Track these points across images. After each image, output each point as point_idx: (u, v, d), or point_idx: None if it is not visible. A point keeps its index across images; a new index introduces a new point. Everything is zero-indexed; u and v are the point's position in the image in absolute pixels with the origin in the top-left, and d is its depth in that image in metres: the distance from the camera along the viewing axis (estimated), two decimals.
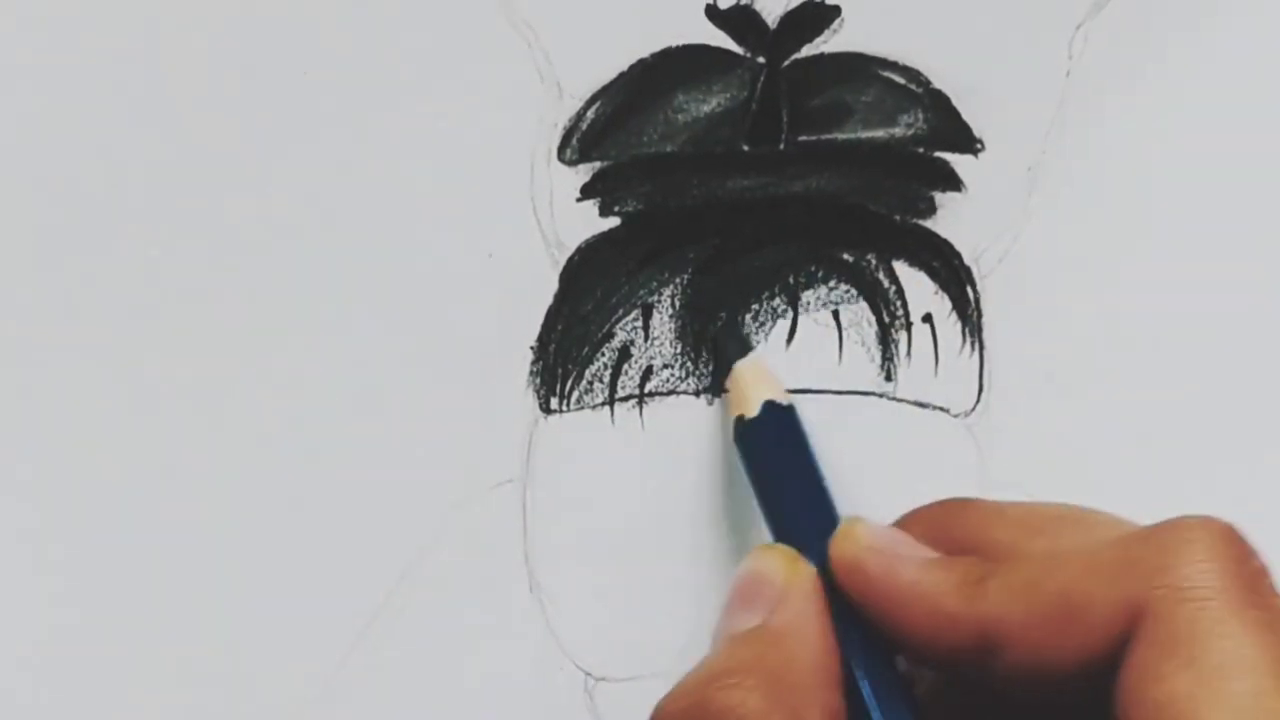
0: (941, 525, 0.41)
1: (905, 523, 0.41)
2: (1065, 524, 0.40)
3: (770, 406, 0.43)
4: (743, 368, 0.45)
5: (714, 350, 0.46)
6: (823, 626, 0.39)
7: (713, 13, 0.46)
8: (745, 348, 0.45)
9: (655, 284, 0.46)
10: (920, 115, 0.47)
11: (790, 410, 0.43)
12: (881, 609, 0.39)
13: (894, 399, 0.46)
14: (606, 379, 0.46)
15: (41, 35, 0.45)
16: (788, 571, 0.40)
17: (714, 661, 0.38)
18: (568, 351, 0.46)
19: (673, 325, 0.46)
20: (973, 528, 0.40)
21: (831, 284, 0.46)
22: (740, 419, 0.44)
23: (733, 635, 0.40)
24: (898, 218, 0.47)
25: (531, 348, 0.46)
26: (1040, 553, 0.38)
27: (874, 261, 0.47)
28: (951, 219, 0.47)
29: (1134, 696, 0.35)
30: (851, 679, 0.39)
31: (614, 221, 0.46)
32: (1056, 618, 0.37)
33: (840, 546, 0.40)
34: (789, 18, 0.46)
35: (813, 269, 0.46)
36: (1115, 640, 0.36)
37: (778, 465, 0.43)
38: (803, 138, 0.46)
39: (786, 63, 0.46)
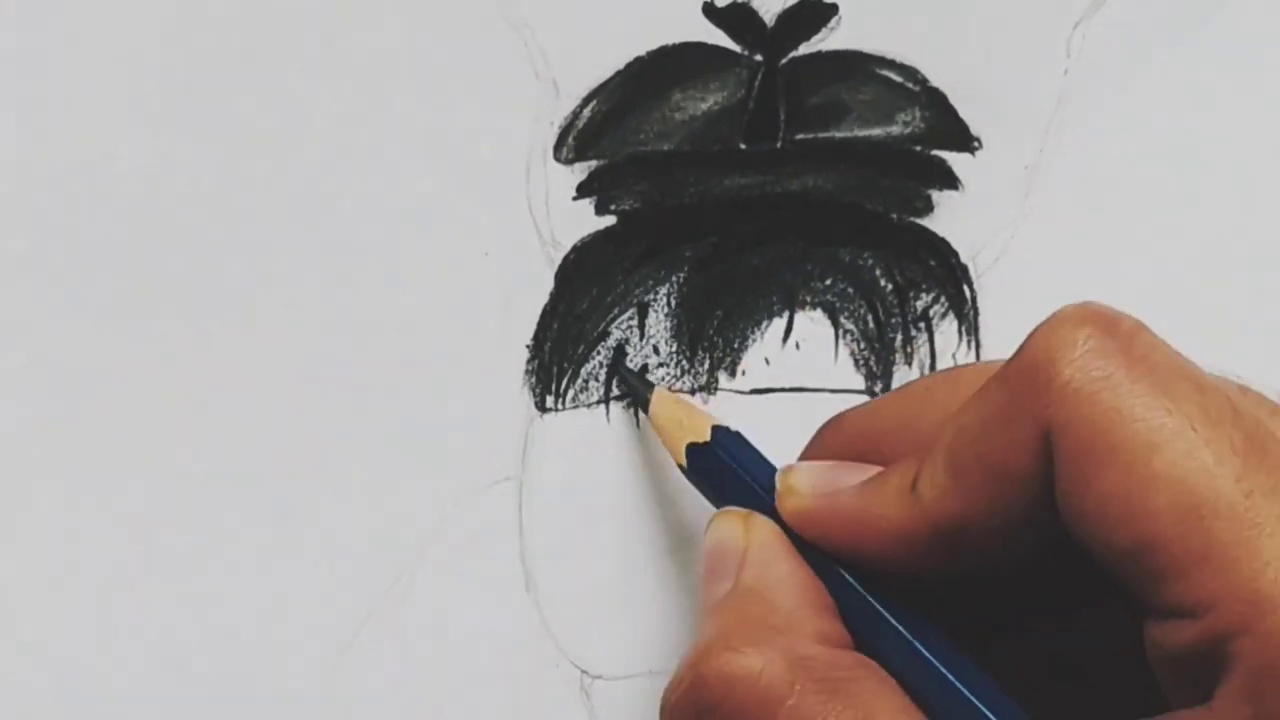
0: (841, 443, 0.41)
1: (811, 453, 0.42)
2: (937, 391, 0.40)
3: (719, 430, 0.43)
4: (661, 398, 0.44)
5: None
6: (792, 567, 0.40)
7: (710, 11, 0.46)
8: (648, 385, 0.45)
9: (651, 282, 0.46)
10: (917, 113, 0.47)
11: (732, 432, 0.43)
12: (845, 547, 0.39)
13: None
14: (602, 377, 0.46)
15: (40, 28, 0.45)
16: (744, 530, 0.41)
17: (700, 638, 0.38)
18: (563, 350, 0.46)
19: (668, 324, 0.46)
20: (864, 434, 0.41)
21: (828, 282, 0.46)
22: (692, 446, 0.43)
23: (710, 607, 0.40)
24: (895, 216, 0.47)
25: (527, 346, 0.46)
26: (945, 428, 0.38)
27: (871, 260, 0.46)
28: (948, 217, 0.47)
29: (1072, 513, 0.35)
30: (845, 601, 0.39)
31: (610, 220, 0.46)
32: (986, 486, 0.36)
33: (786, 503, 0.40)
34: (786, 16, 0.46)
35: (809, 267, 0.46)
36: (1048, 476, 0.36)
37: (737, 481, 0.42)
38: (800, 136, 0.46)
39: (784, 61, 0.46)
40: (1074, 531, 0.35)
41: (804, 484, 0.40)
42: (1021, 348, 0.36)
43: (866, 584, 0.39)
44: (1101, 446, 0.34)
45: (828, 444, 0.42)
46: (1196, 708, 0.34)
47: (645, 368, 0.46)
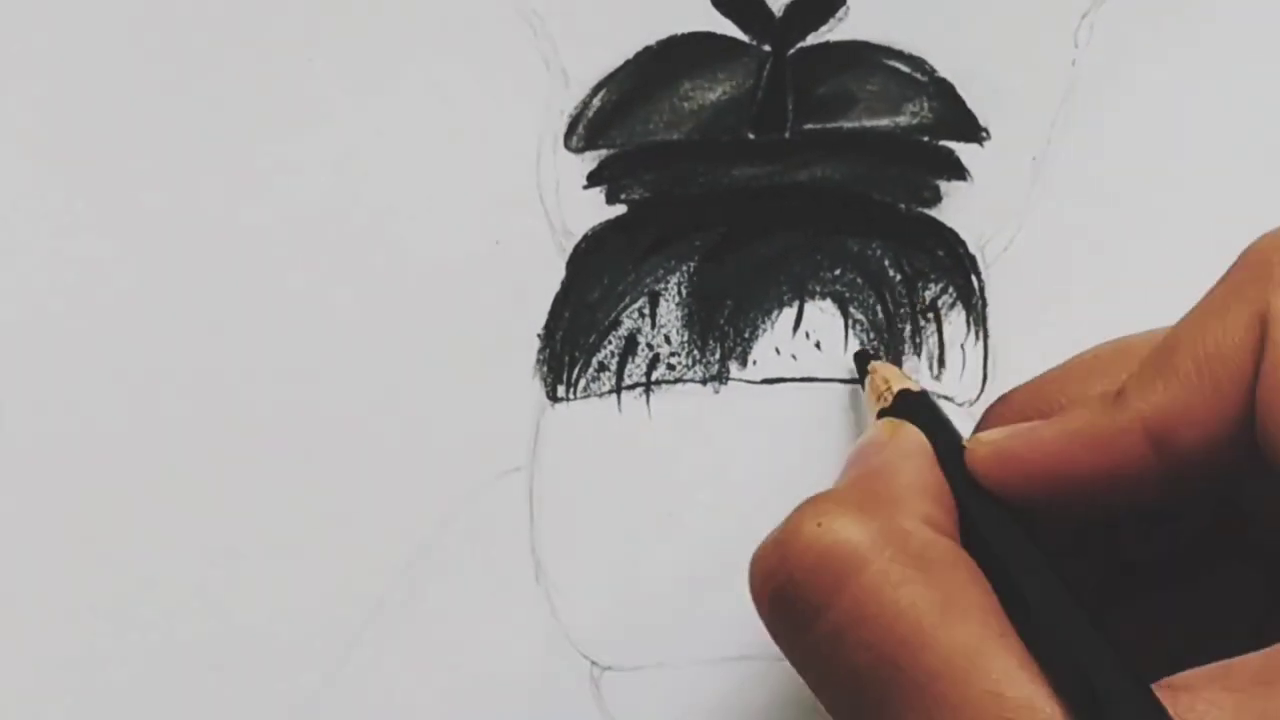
0: (1011, 418, 0.40)
1: (989, 422, 0.41)
2: (1105, 358, 0.39)
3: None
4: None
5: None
6: (922, 465, 0.38)
7: (719, 1, 0.46)
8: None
9: (662, 272, 0.46)
10: (925, 104, 0.47)
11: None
12: (1046, 482, 0.38)
13: None
14: (613, 367, 0.46)
15: (43, 18, 0.45)
16: (890, 432, 0.40)
17: (810, 499, 0.37)
18: (575, 339, 0.46)
19: (680, 313, 0.46)
20: (1034, 406, 0.40)
21: (837, 272, 0.46)
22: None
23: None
24: (903, 206, 0.47)
25: (538, 335, 0.46)
26: (1152, 341, 0.37)
27: (879, 250, 0.47)
28: (956, 208, 0.47)
29: (1271, 397, 0.34)
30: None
31: (620, 209, 0.46)
32: (1200, 378, 0.36)
33: (977, 452, 0.39)
34: (795, 6, 0.46)
35: (818, 257, 0.46)
36: (1256, 365, 0.35)
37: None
38: (808, 126, 0.46)
39: (792, 51, 0.46)
40: (1270, 429, 0.34)
41: (993, 433, 0.39)
42: (1244, 251, 0.37)
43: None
44: None
45: (999, 420, 0.41)
46: None
47: (658, 357, 0.46)
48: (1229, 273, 0.37)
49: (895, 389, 0.42)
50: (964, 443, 0.39)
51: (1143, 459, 0.36)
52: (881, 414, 0.41)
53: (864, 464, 0.39)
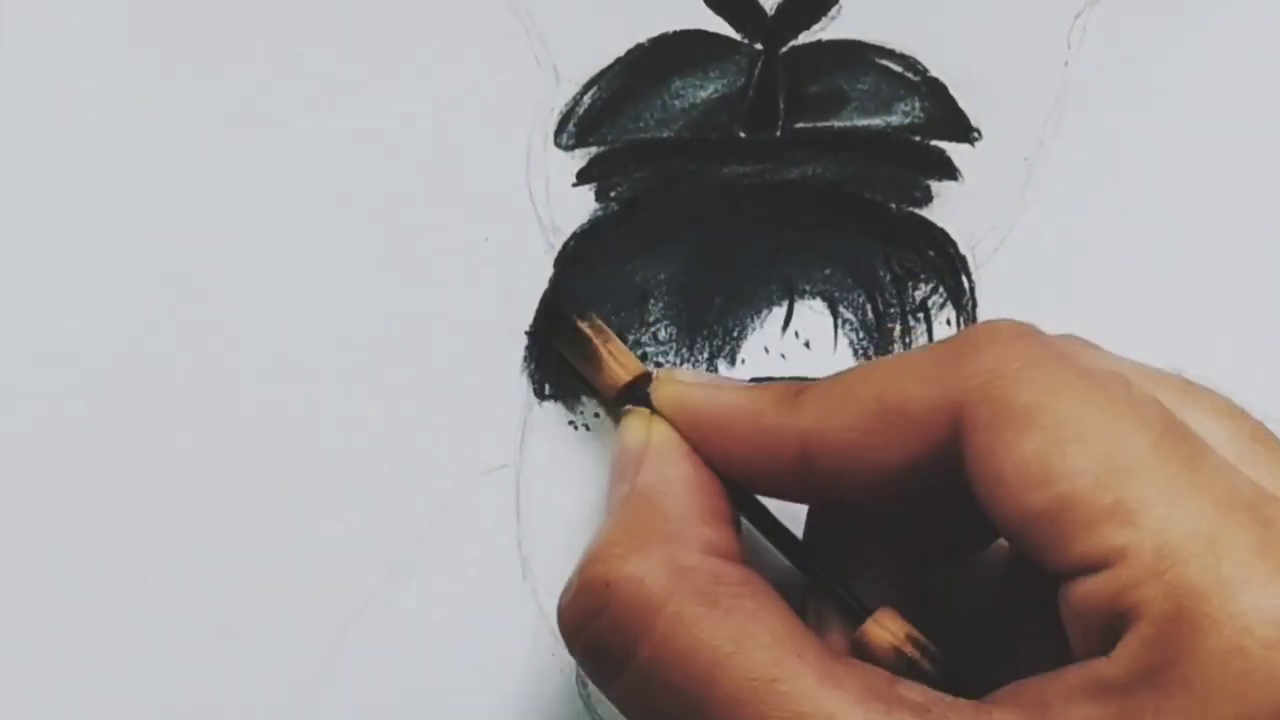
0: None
1: None
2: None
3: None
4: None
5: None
6: (686, 471, 0.40)
7: None
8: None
9: (651, 270, 0.46)
10: (917, 103, 0.47)
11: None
12: (709, 438, 0.40)
13: None
14: None
15: (41, 16, 0.45)
16: (646, 431, 0.41)
17: (593, 542, 0.39)
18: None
19: (668, 311, 0.46)
20: None
21: (827, 271, 0.46)
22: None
23: (609, 510, 0.41)
24: (894, 206, 0.47)
25: (526, 333, 0.46)
26: (856, 369, 0.40)
27: (869, 250, 0.46)
28: (947, 208, 0.47)
29: (990, 480, 0.36)
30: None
31: (610, 207, 0.46)
32: (873, 419, 0.38)
33: (663, 389, 0.41)
34: (787, 4, 0.46)
35: (808, 256, 0.46)
36: (939, 441, 0.37)
37: None
38: (799, 125, 0.46)
39: (784, 49, 0.46)
40: (985, 497, 0.36)
41: (684, 374, 0.41)
42: (966, 330, 0.39)
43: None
44: (1025, 413, 0.36)
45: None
46: (1097, 658, 0.35)
47: (646, 355, 0.46)
48: (945, 344, 0.38)
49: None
50: (656, 372, 0.41)
51: (788, 462, 0.39)
52: (621, 401, 0.42)
53: (630, 483, 0.40)
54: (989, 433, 0.36)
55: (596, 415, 0.45)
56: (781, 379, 0.46)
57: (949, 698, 0.36)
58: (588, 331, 0.44)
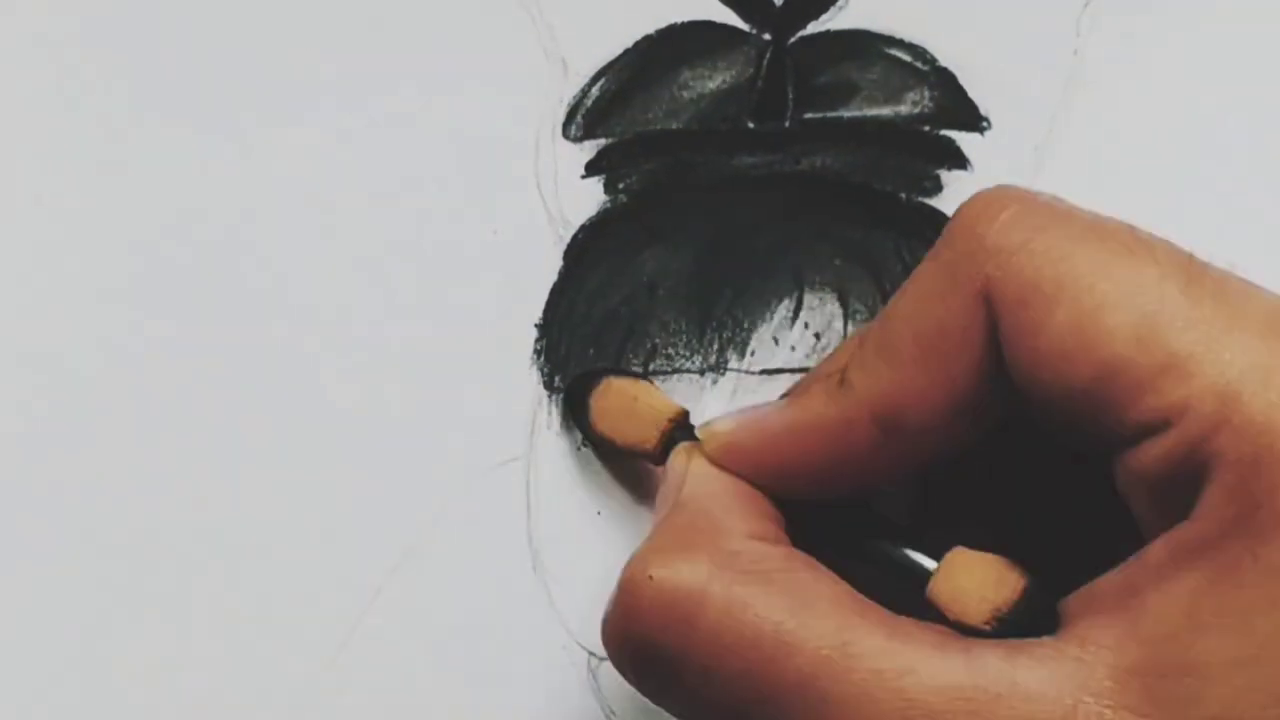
0: None
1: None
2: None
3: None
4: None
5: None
6: (728, 482, 0.39)
7: None
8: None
9: (660, 261, 0.46)
10: (926, 93, 0.47)
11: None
12: (782, 465, 0.39)
13: None
14: (611, 357, 0.46)
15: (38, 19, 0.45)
16: (685, 461, 0.41)
17: (635, 554, 0.38)
18: (572, 329, 0.46)
19: (677, 303, 0.46)
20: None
21: (837, 262, 0.46)
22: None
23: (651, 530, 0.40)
24: (903, 196, 0.46)
25: (536, 325, 0.46)
26: (872, 327, 0.38)
27: (879, 240, 0.46)
28: (957, 197, 0.46)
29: (1026, 362, 0.35)
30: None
31: (619, 198, 0.46)
32: (925, 360, 0.36)
33: (709, 446, 0.40)
34: None
35: (818, 247, 0.46)
36: (988, 339, 0.36)
37: None
38: (808, 115, 0.46)
39: (792, 40, 0.46)
40: (1027, 382, 0.35)
41: (723, 423, 0.40)
42: (948, 226, 0.37)
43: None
44: (1046, 285, 0.35)
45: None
46: (1178, 526, 0.34)
47: (655, 347, 0.46)
48: (939, 249, 0.37)
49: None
50: (696, 431, 0.41)
51: (872, 442, 0.37)
52: (667, 445, 0.42)
53: (672, 502, 0.39)
54: (1017, 313, 0.35)
55: None
56: (790, 370, 0.46)
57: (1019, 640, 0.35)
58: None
